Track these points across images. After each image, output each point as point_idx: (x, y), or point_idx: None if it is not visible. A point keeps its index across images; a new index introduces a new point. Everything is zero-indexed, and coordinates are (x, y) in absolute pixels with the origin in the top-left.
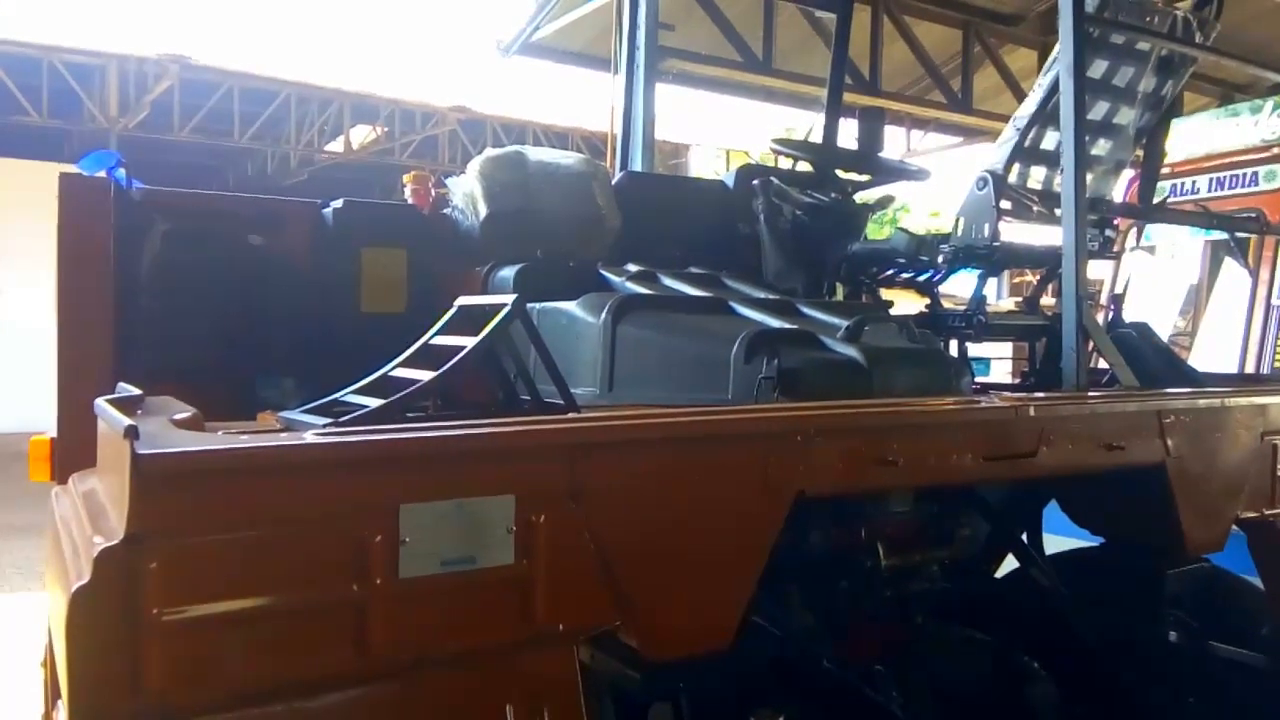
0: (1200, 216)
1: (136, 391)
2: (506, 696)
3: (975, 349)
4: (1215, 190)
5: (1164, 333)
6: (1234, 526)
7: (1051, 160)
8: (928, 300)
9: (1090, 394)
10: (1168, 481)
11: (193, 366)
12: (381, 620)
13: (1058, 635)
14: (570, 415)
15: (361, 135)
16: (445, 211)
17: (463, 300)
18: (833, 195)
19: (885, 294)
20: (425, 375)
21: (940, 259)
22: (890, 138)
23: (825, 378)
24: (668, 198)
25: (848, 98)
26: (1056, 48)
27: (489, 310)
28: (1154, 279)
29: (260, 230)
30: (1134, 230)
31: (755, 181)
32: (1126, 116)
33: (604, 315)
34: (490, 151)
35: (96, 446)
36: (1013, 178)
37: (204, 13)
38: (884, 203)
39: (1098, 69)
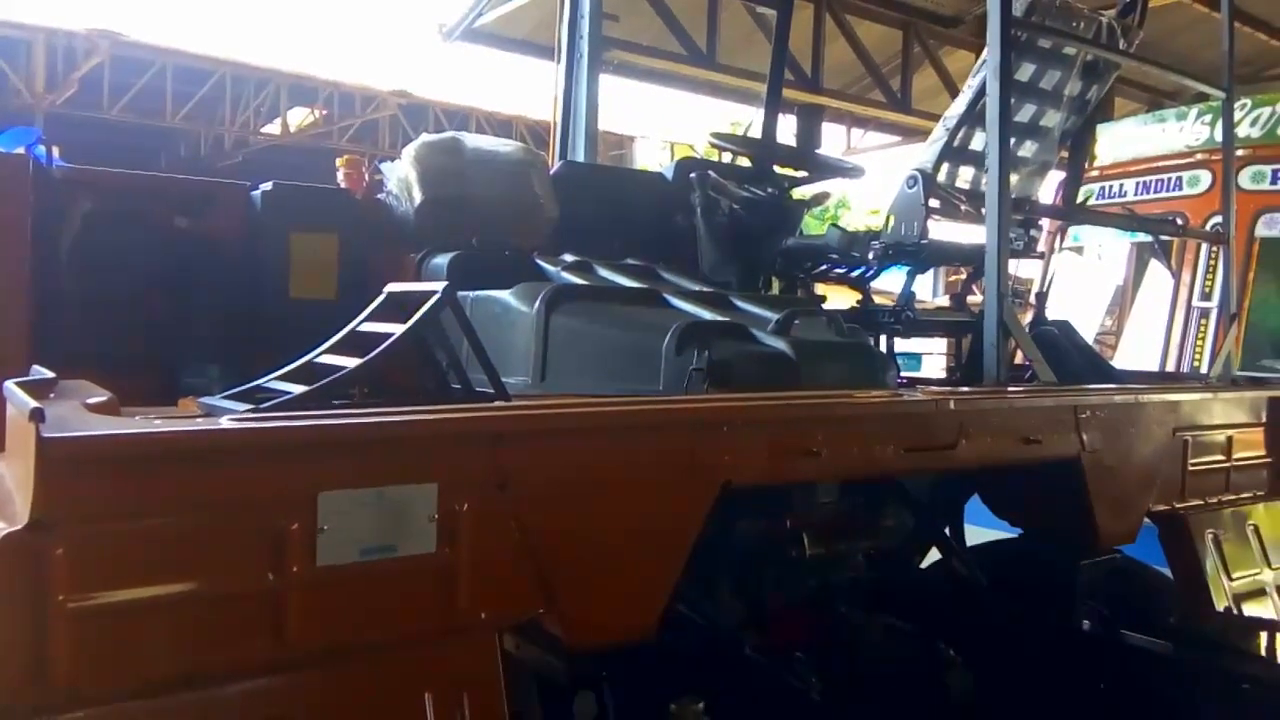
0: (1123, 219)
1: (50, 375)
2: (427, 685)
3: (906, 344)
4: (1141, 194)
5: (1090, 332)
6: (1145, 519)
7: (979, 160)
8: (859, 296)
9: (1009, 389)
10: (1082, 475)
11: (114, 352)
12: (298, 609)
13: (974, 623)
14: (497, 404)
15: (299, 118)
16: (380, 197)
17: (392, 287)
18: (769, 190)
19: (820, 289)
20: (352, 362)
21: (871, 255)
22: (830, 135)
23: (755, 370)
24: (606, 189)
25: (789, 94)
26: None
27: (418, 297)
28: (1081, 279)
29: (187, 212)
30: (1061, 231)
31: (692, 175)
32: (1052, 119)
33: (537, 304)
34: (426, 137)
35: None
36: (942, 177)
37: None
38: (820, 199)
39: (1025, 72)
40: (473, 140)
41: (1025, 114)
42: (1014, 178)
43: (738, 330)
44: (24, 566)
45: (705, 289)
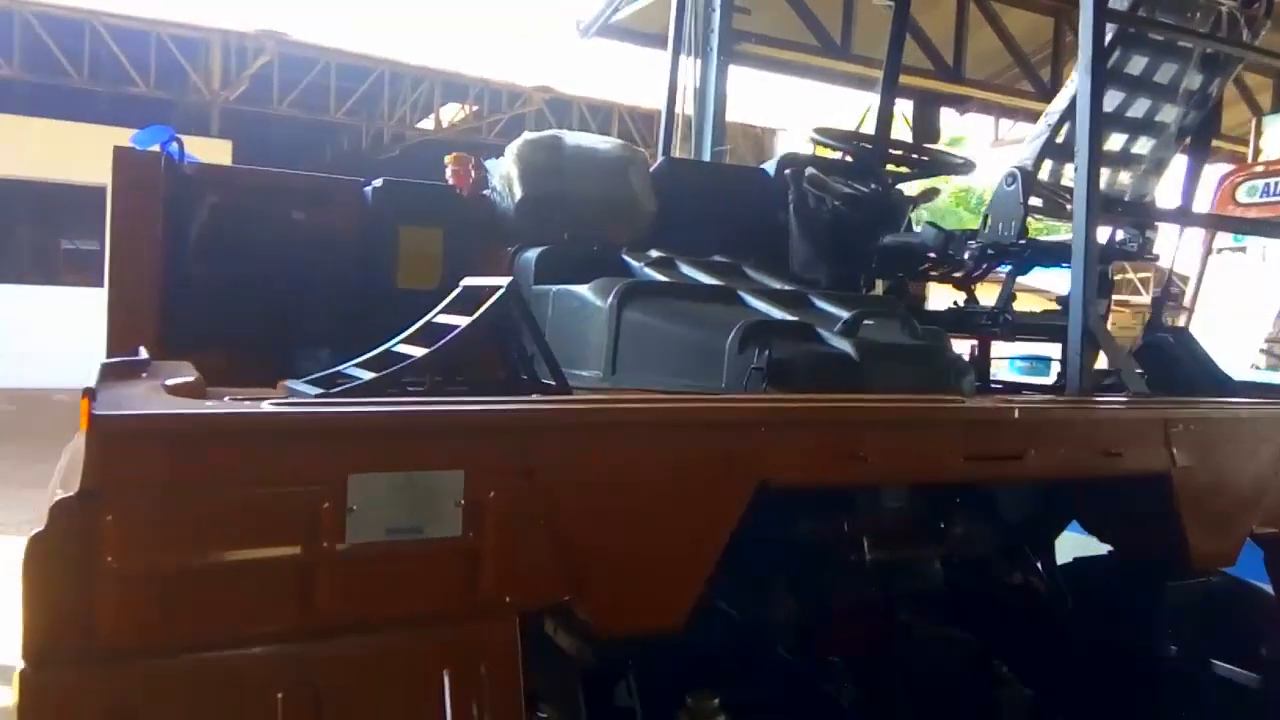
0: (1242, 223)
1: (145, 356)
2: (447, 661)
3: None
4: None
5: (1258, 339)
6: (1250, 541)
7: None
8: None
9: (1089, 399)
10: (1173, 492)
11: (235, 334)
12: (327, 581)
13: (1049, 642)
14: (528, 397)
15: (451, 114)
16: (485, 193)
17: (468, 281)
18: (872, 186)
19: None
20: (421, 352)
21: (967, 255)
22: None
23: (816, 370)
24: (706, 185)
25: (931, 85)
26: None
27: (489, 291)
28: (1247, 281)
29: (304, 206)
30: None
31: (788, 171)
32: (1169, 114)
33: (611, 299)
34: (528, 135)
35: None
36: (1045, 174)
37: None
38: (929, 195)
39: (1137, 65)
40: (573, 138)
41: (1139, 109)
42: (1126, 176)
43: (803, 330)
44: (76, 530)
45: (787, 287)
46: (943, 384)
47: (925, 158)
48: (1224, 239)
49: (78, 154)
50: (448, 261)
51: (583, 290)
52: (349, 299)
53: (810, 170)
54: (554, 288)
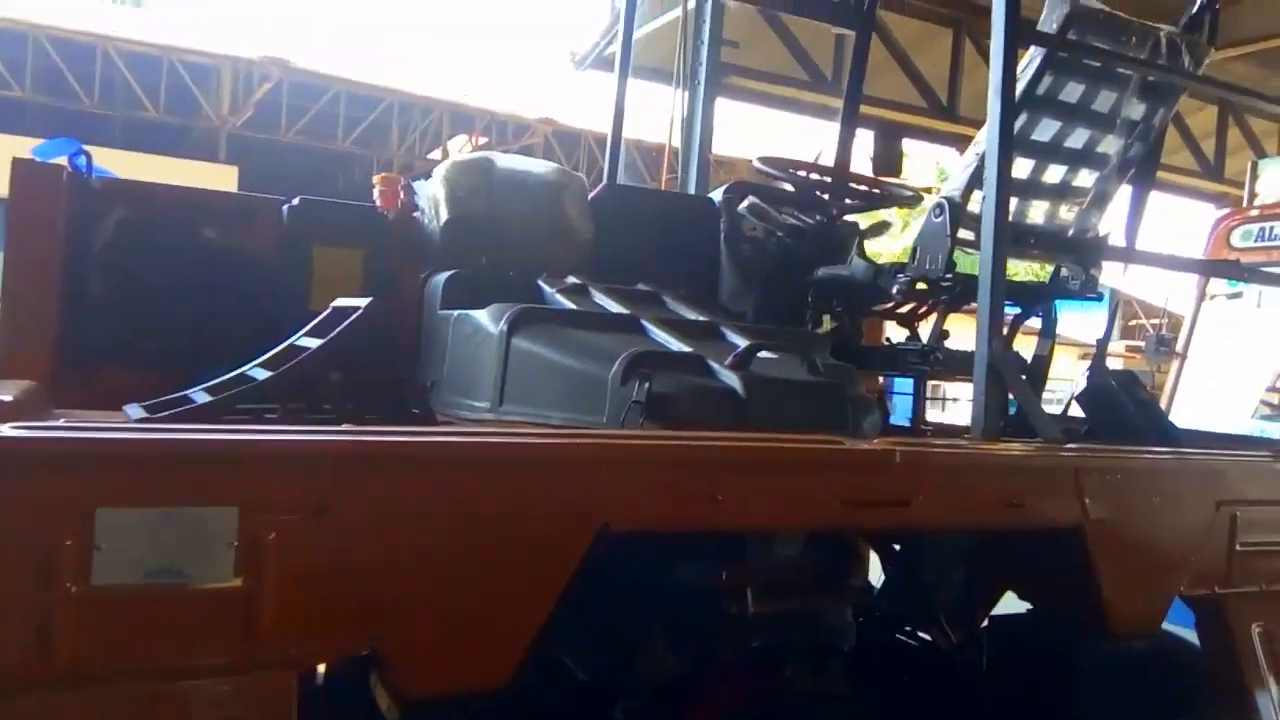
0: (1193, 264)
1: None
2: (214, 717)
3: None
4: None
5: (1257, 389)
6: (1179, 602)
7: (1020, 189)
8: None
9: (996, 444)
10: (1086, 547)
11: (138, 353)
12: (69, 627)
13: (957, 703)
14: (320, 429)
15: (459, 145)
16: (416, 215)
17: (339, 302)
18: (817, 218)
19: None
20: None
21: (894, 289)
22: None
23: (697, 405)
24: (647, 212)
25: (927, 122)
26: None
27: (351, 313)
28: (1242, 329)
29: (218, 224)
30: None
31: (720, 199)
32: (1111, 145)
33: (501, 325)
34: (457, 157)
35: None
36: (975, 206)
37: (317, 21)
38: (879, 229)
39: (1073, 92)
40: (506, 161)
41: (1078, 139)
42: (1067, 210)
43: (694, 363)
44: None
45: (702, 318)
46: (841, 423)
47: (875, 190)
48: (1218, 284)
49: None
50: (369, 284)
51: (478, 315)
52: (261, 320)
53: (751, 199)
54: (455, 313)
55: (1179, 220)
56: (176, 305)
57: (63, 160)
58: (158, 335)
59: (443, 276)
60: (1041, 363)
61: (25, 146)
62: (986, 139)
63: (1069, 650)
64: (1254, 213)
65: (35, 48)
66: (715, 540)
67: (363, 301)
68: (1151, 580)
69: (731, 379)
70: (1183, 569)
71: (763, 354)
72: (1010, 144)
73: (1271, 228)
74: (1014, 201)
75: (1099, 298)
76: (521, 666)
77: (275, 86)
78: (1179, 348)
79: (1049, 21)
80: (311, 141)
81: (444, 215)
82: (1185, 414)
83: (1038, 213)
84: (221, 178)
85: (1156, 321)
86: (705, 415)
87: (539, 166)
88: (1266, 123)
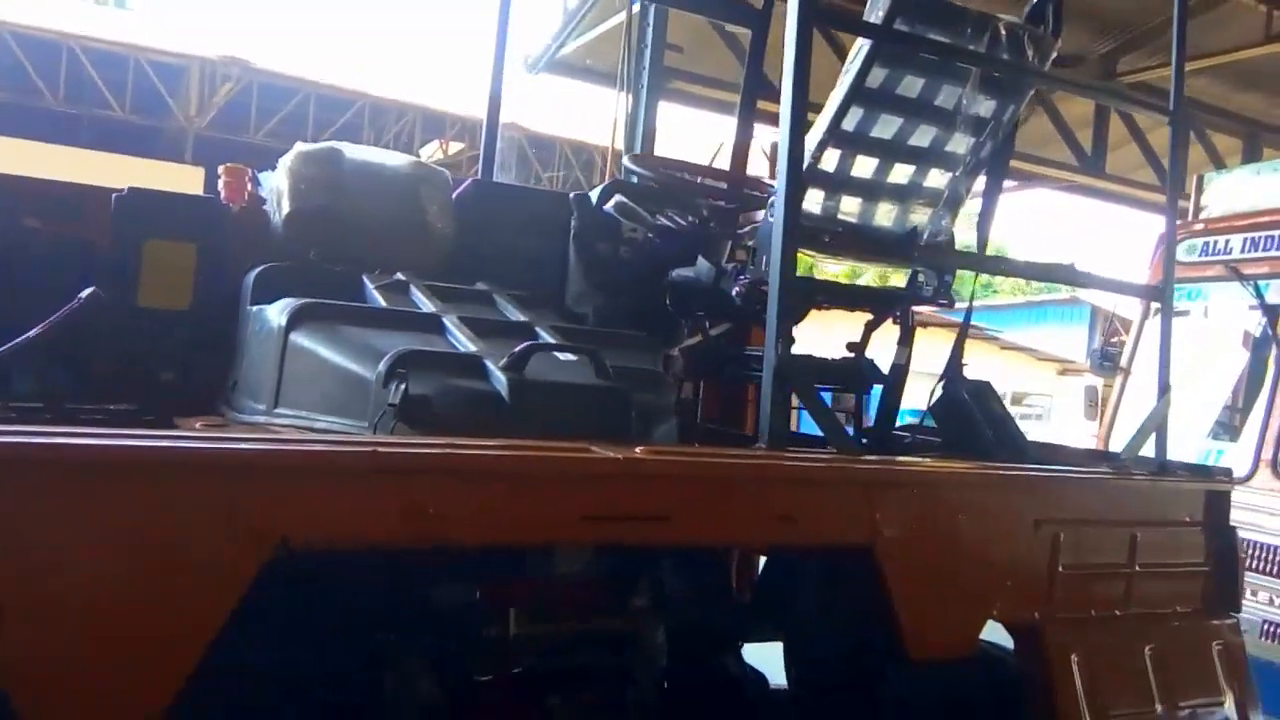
0: (1031, 268)
1: None
2: None
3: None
4: (1250, 250)
5: (1210, 413)
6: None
7: (863, 189)
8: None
9: (778, 455)
10: (878, 569)
11: None
12: None
13: None
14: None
15: (431, 149)
16: (265, 208)
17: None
18: (689, 219)
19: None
20: None
21: (735, 291)
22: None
23: (456, 409)
24: (513, 210)
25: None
26: (850, 57)
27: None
28: (1190, 344)
29: (45, 214)
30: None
31: (572, 196)
32: (960, 144)
33: (280, 320)
34: (301, 146)
35: None
36: (815, 206)
37: (290, 24)
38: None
39: (911, 86)
40: (356, 151)
41: (923, 137)
42: (918, 211)
43: (465, 363)
44: None
45: (519, 319)
46: (622, 430)
47: (754, 192)
48: None
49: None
50: (207, 280)
51: (268, 310)
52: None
53: (618, 198)
54: (253, 308)
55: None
56: None
57: None
58: None
59: (257, 270)
60: (898, 372)
61: None
62: (780, 127)
63: (874, 675)
64: (1199, 226)
65: (0, 45)
66: (486, 556)
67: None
68: (958, 604)
69: (500, 381)
70: (996, 592)
71: (566, 356)
72: (800, 136)
73: (1215, 242)
74: (857, 203)
75: (949, 304)
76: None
77: (243, 88)
78: (1123, 362)
79: (875, 7)
80: (280, 144)
81: (285, 207)
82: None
83: (885, 215)
84: (188, 178)
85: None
86: (466, 420)
87: (395, 159)
88: (1230, 139)
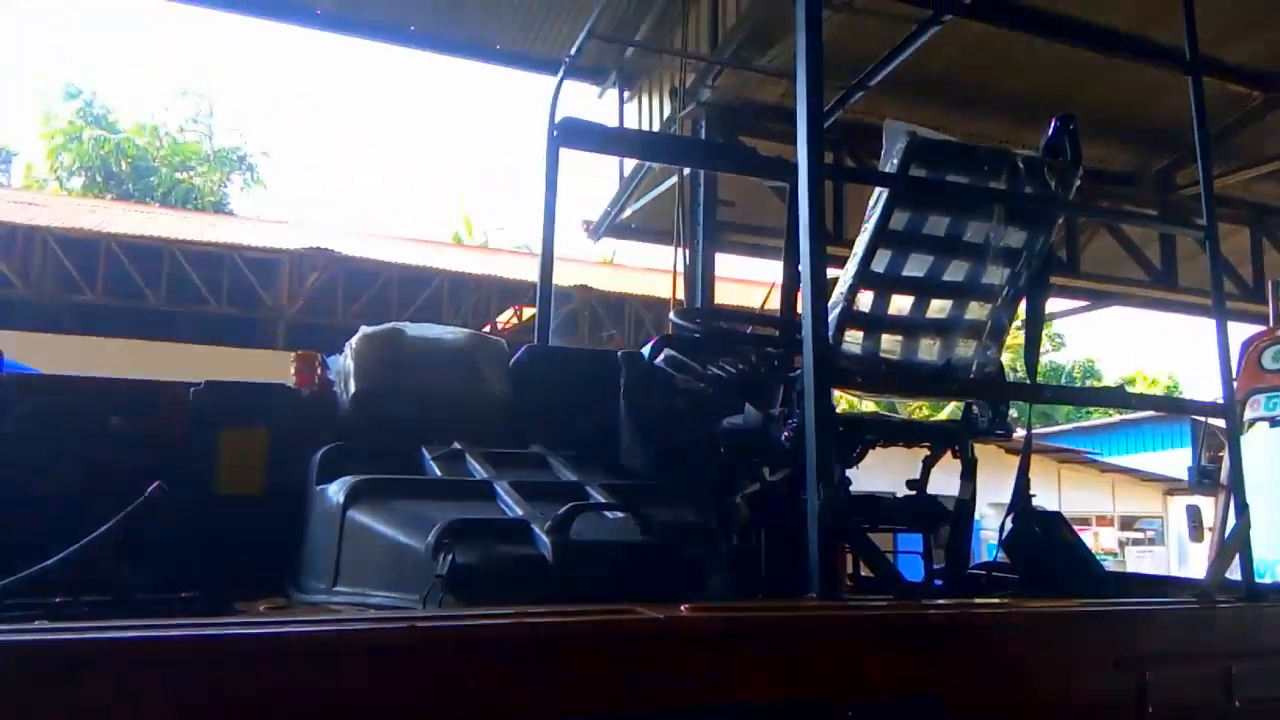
0: (1086, 393)
1: None
2: None
3: None
4: None
5: None
6: None
7: (901, 327)
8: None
9: (821, 605)
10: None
11: (40, 545)
12: None
13: None
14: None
15: (506, 317)
16: (334, 389)
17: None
18: (739, 367)
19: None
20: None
21: (784, 436)
22: None
23: (502, 575)
24: (567, 372)
25: None
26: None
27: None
28: None
29: (124, 411)
30: (1253, 397)
31: (619, 354)
32: (996, 275)
33: (338, 497)
34: (365, 329)
35: None
36: (855, 346)
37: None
38: None
39: (938, 225)
40: (417, 330)
41: (957, 272)
42: (964, 344)
43: (511, 529)
44: None
45: (571, 479)
46: (671, 588)
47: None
48: (1255, 409)
49: (155, 369)
50: (279, 463)
51: (328, 489)
52: (170, 507)
53: (667, 352)
54: (318, 488)
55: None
56: (80, 496)
57: None
58: (61, 526)
59: (321, 451)
60: (964, 507)
61: (95, 347)
62: (801, 277)
63: None
64: None
65: (108, 254)
66: None
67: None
68: None
69: (544, 544)
70: None
71: (614, 514)
72: (822, 283)
73: None
74: (898, 340)
75: (1006, 436)
76: None
77: (329, 275)
78: (1223, 478)
79: (890, 155)
80: (366, 323)
81: (351, 387)
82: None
83: (928, 350)
84: (281, 363)
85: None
86: (512, 586)
87: (453, 334)
88: None
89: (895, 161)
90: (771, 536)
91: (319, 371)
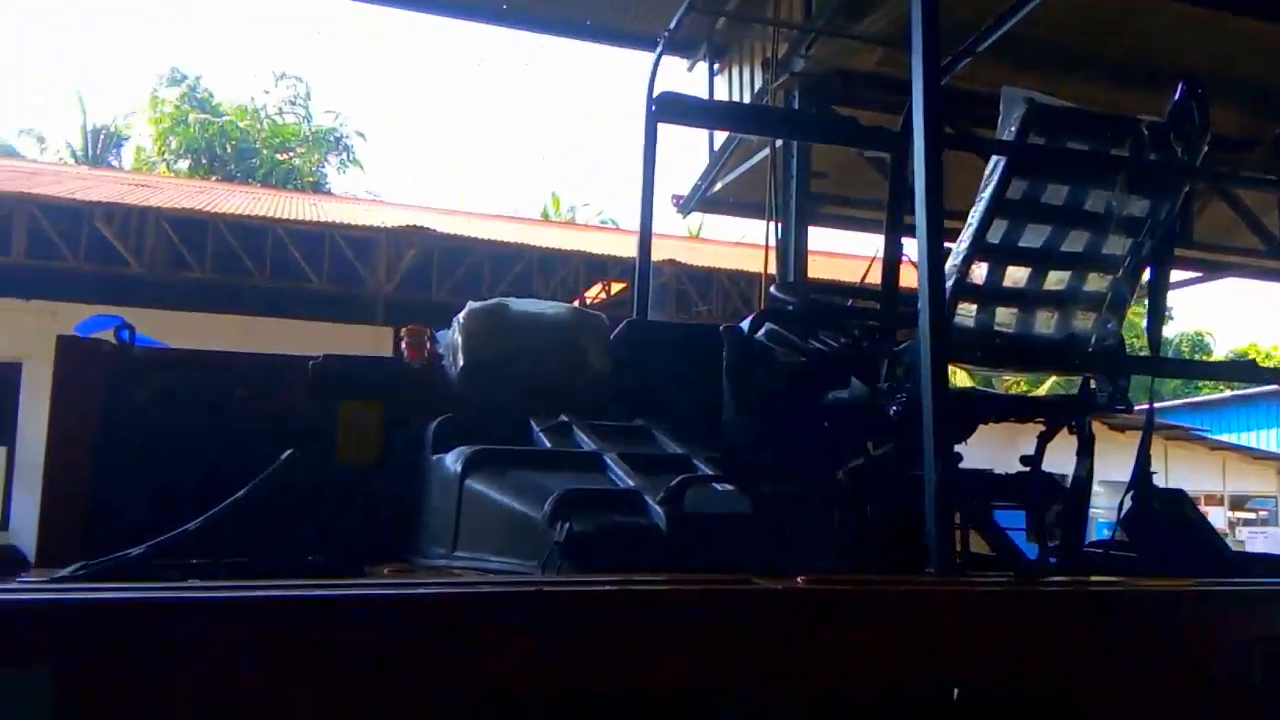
0: (1215, 369)
1: None
2: None
3: None
4: None
5: None
6: None
7: (1017, 299)
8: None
9: (940, 580)
10: (1073, 709)
11: (169, 514)
12: None
13: None
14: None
15: (595, 291)
16: (443, 363)
17: (290, 453)
18: (841, 341)
19: None
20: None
21: (893, 411)
22: None
23: (617, 545)
24: (667, 346)
25: None
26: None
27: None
28: None
29: (248, 384)
30: None
31: (722, 328)
32: (1117, 246)
33: (456, 467)
34: (472, 304)
35: None
36: (968, 319)
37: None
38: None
39: (1057, 194)
40: (521, 304)
41: (1076, 243)
42: (1083, 317)
43: (625, 500)
44: None
45: (677, 453)
46: (781, 561)
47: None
48: None
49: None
50: (394, 434)
51: (445, 459)
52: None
53: (769, 326)
54: (434, 457)
55: None
56: (208, 466)
57: (108, 334)
58: (189, 496)
59: (436, 422)
60: (1080, 484)
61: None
62: (917, 247)
63: None
64: None
65: (215, 234)
66: None
67: (287, 454)
68: None
69: (658, 515)
70: None
71: (724, 487)
72: (939, 251)
73: None
74: (1012, 313)
75: (1127, 410)
76: None
77: (424, 252)
78: None
79: (1008, 123)
80: (459, 299)
81: (460, 361)
82: None
83: (1045, 323)
84: (381, 338)
85: None
86: (627, 555)
87: (555, 309)
88: None
89: (1013, 129)
90: (876, 512)
91: (429, 346)
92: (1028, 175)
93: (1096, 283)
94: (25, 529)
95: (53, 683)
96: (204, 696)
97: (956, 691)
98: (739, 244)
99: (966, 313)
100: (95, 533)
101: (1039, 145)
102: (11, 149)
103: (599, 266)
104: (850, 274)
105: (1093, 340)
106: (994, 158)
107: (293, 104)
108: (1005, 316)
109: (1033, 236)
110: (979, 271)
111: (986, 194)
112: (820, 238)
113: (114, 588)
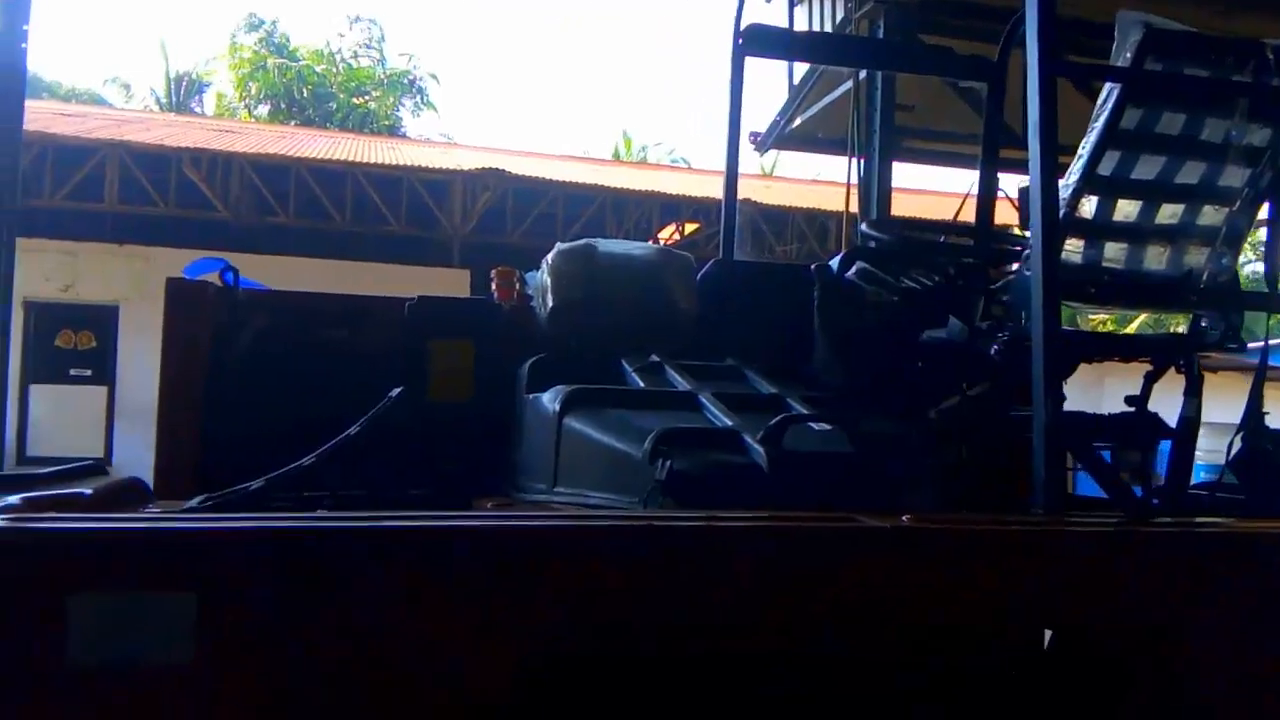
0: None
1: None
2: None
3: None
4: None
5: None
6: None
7: (1127, 233)
8: None
9: (1051, 519)
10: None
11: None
12: (41, 712)
13: None
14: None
15: (669, 232)
16: (532, 304)
17: (399, 390)
18: (935, 279)
19: None
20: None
21: (993, 350)
22: None
23: (718, 483)
24: (756, 286)
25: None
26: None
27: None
28: None
29: (345, 325)
30: None
31: (813, 266)
32: (1235, 177)
33: (554, 406)
34: (561, 245)
35: None
36: (1075, 256)
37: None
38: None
39: (1173, 124)
40: (608, 245)
41: (1191, 174)
42: (1196, 252)
43: (723, 438)
44: None
45: (768, 391)
46: (883, 500)
47: (1004, 245)
48: None
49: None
50: (484, 373)
51: (543, 398)
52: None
53: (860, 265)
54: (530, 396)
55: None
56: (307, 403)
57: (213, 276)
58: (291, 433)
59: (530, 362)
60: (1188, 425)
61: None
62: (1030, 183)
63: None
64: None
65: (297, 179)
66: None
67: (396, 391)
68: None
69: (759, 454)
70: None
71: (821, 426)
72: (1053, 184)
73: None
74: (1122, 249)
75: (1240, 348)
76: None
77: (500, 195)
78: None
79: (1123, 49)
80: (534, 241)
81: (549, 302)
82: None
83: (1155, 259)
84: (456, 281)
85: None
86: (727, 493)
87: (641, 249)
88: None
89: (1128, 54)
90: (973, 451)
91: (518, 287)
92: (1143, 103)
93: (1211, 216)
94: (127, 465)
95: (200, 605)
96: (339, 621)
97: (1049, 635)
98: (815, 181)
99: (1073, 248)
100: (206, 467)
101: (1157, 71)
102: (100, 97)
103: (672, 207)
104: (932, 210)
105: (1205, 276)
106: (1107, 86)
107: (367, 47)
108: (1113, 252)
109: (1145, 168)
110: (1088, 206)
111: (1099, 124)
112: (900, 173)
113: (255, 516)
